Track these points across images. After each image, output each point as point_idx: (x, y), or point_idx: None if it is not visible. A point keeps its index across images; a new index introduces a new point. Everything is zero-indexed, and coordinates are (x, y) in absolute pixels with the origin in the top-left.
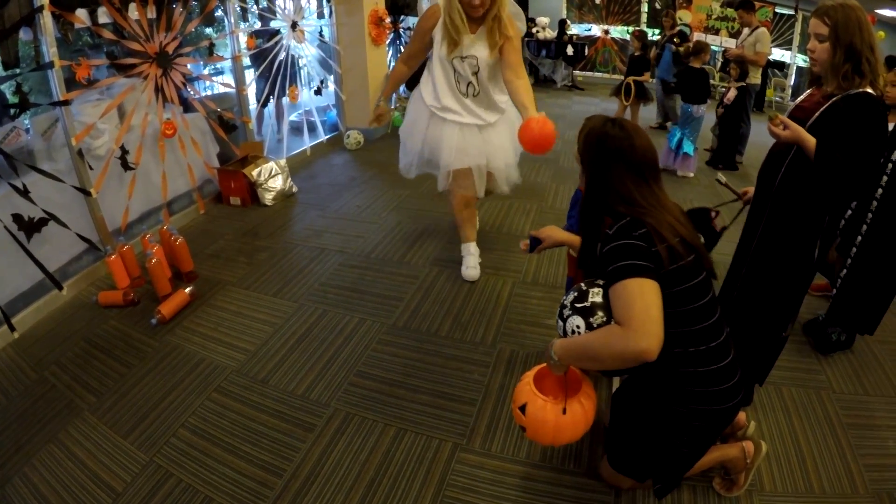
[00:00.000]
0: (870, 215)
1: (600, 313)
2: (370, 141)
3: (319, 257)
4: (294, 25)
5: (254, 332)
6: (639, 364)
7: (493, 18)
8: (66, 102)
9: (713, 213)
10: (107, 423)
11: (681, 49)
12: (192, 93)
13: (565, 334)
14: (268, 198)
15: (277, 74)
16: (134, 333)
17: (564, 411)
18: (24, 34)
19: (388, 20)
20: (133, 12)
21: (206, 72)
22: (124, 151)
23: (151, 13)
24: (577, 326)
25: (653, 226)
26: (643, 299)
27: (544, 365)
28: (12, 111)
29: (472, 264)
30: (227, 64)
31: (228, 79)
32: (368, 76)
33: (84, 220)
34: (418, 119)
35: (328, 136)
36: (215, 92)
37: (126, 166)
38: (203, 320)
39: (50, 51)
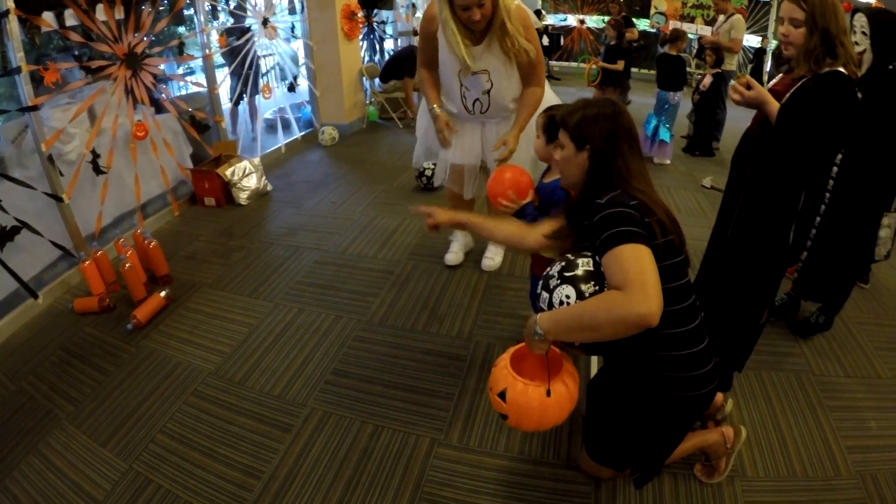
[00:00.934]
0: (828, 194)
1: (592, 282)
2: (345, 136)
3: (294, 255)
4: (265, 22)
5: (230, 334)
6: (639, 331)
7: (498, 27)
8: (35, 108)
9: None
10: (85, 431)
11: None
12: (163, 94)
13: (551, 306)
14: (242, 197)
15: (249, 72)
16: (110, 339)
17: (549, 393)
18: None
19: (360, 14)
20: (101, 14)
21: (179, 71)
22: (95, 155)
23: (119, 14)
24: (567, 297)
25: (644, 199)
26: (641, 264)
27: (520, 346)
28: None
29: (453, 249)
30: (199, 63)
31: (200, 78)
32: (342, 71)
33: (57, 227)
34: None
35: (303, 133)
36: (187, 92)
37: (98, 170)
38: (179, 324)
39: (17, 55)
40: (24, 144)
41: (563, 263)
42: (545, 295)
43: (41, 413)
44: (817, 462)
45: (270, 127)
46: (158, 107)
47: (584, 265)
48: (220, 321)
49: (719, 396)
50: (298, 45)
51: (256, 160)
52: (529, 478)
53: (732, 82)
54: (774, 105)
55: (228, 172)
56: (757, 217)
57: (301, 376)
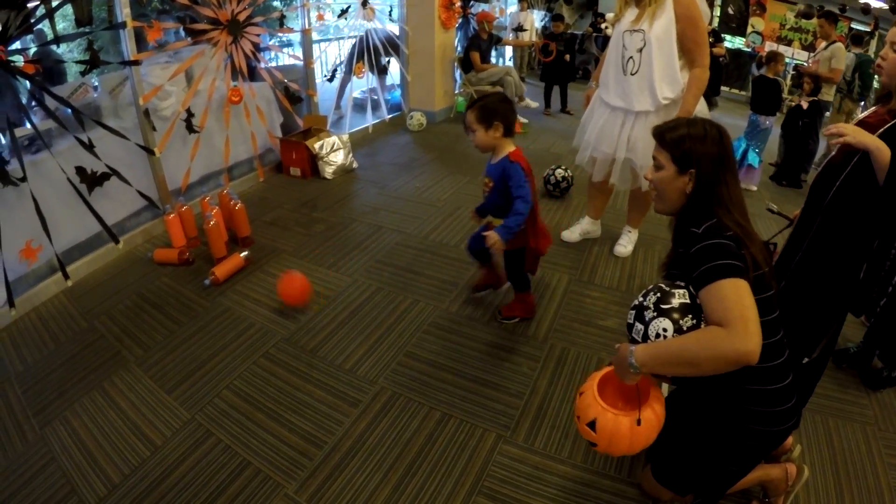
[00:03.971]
0: None
1: (689, 316)
2: (432, 124)
3: (376, 234)
4: (364, 2)
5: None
6: (738, 367)
7: None
8: (136, 62)
9: (770, 247)
10: (152, 377)
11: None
12: (260, 62)
13: (646, 338)
14: (328, 171)
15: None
16: (186, 292)
17: (639, 422)
18: None
19: (458, 4)
20: None
21: (274, 42)
22: (190, 114)
23: None
24: (664, 329)
25: (740, 232)
26: (742, 300)
27: (606, 371)
28: (82, 67)
29: (574, 229)
30: (296, 37)
31: (297, 51)
32: (436, 59)
33: (145, 178)
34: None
35: (391, 116)
36: (282, 63)
37: (191, 129)
38: (256, 286)
39: (123, 11)
40: (122, 97)
41: (658, 294)
42: (639, 326)
43: (110, 353)
44: None
45: (360, 106)
46: (254, 74)
47: (680, 297)
48: None
49: (789, 439)
50: (394, 29)
51: (345, 136)
52: (589, 488)
53: (832, 127)
54: (885, 151)
55: (317, 146)
56: (829, 248)
57: (374, 354)
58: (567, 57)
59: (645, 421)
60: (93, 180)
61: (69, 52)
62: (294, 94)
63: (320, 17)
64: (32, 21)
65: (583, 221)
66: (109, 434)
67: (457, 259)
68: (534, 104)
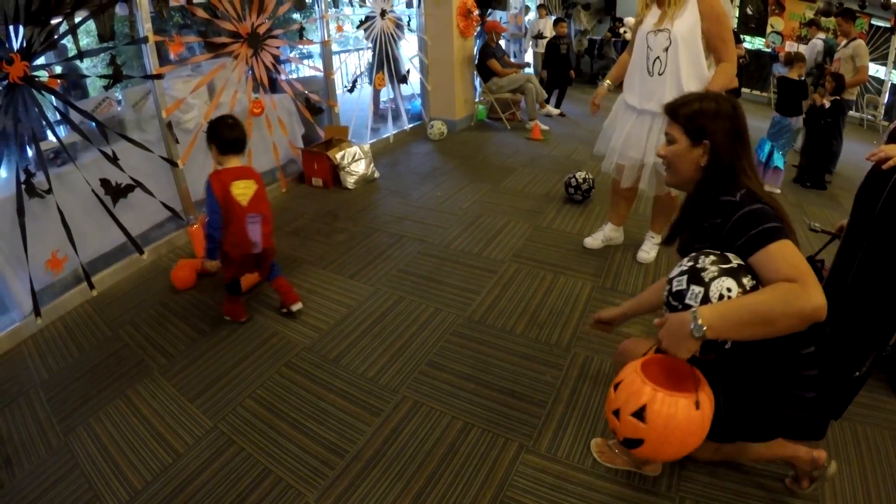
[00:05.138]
0: None
1: (749, 276)
2: (453, 132)
3: (398, 244)
4: (383, 13)
5: (328, 312)
6: (809, 325)
7: None
8: (158, 76)
9: (819, 265)
10: (175, 385)
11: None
12: (281, 74)
13: (706, 301)
14: (350, 181)
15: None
16: (209, 302)
17: (698, 405)
18: (119, 9)
19: (476, 13)
20: None
21: (294, 54)
22: None
23: None
24: (728, 289)
25: (770, 201)
26: (802, 258)
27: (647, 359)
28: (106, 82)
29: (597, 236)
30: (315, 49)
31: (318, 63)
32: (455, 67)
33: (169, 190)
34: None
35: (411, 125)
36: (302, 75)
37: None
38: (278, 295)
39: (144, 26)
40: (145, 110)
41: (714, 256)
42: (696, 289)
43: (133, 361)
44: None
45: (381, 116)
46: (275, 86)
47: (735, 258)
48: (320, 298)
49: (822, 455)
50: (413, 39)
51: (366, 147)
52: (613, 498)
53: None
54: None
55: (338, 156)
56: (884, 263)
57: (396, 363)
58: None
59: (702, 405)
60: (117, 192)
61: (93, 67)
62: (315, 105)
63: (339, 29)
64: (56, 37)
65: (605, 228)
66: (132, 441)
67: (478, 267)
68: (555, 111)
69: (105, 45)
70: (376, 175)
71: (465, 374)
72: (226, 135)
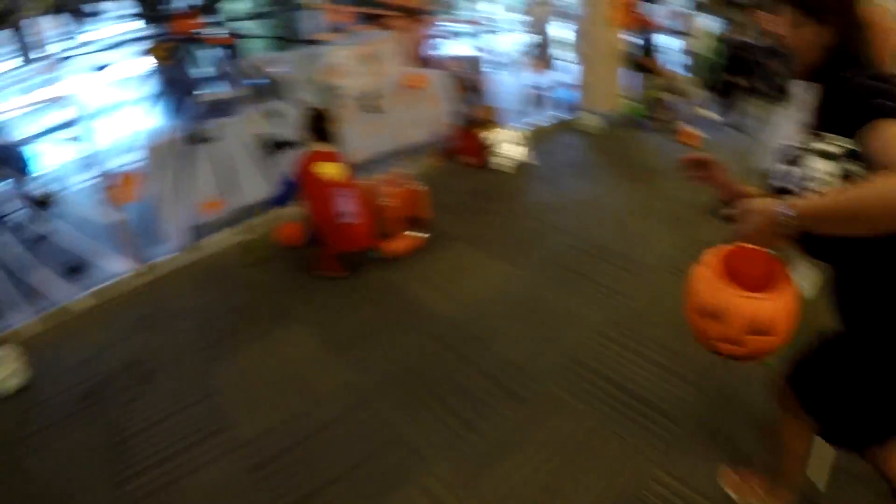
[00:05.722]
0: None
1: (857, 162)
2: (608, 127)
3: (549, 234)
4: None
5: (475, 291)
6: None
7: None
8: (321, 42)
9: None
10: (321, 336)
11: None
12: (440, 51)
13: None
14: (500, 163)
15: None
16: (356, 261)
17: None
18: None
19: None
20: None
21: (451, 32)
22: (369, 95)
23: None
24: (830, 174)
25: None
26: None
27: (728, 250)
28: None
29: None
30: (472, 28)
31: (474, 42)
32: (614, 61)
33: None
34: None
35: (566, 116)
36: (459, 53)
37: (369, 109)
38: (427, 267)
39: None
40: (307, 74)
41: (818, 138)
42: (795, 170)
43: (281, 307)
44: None
45: (535, 102)
46: (432, 62)
47: (843, 142)
48: (467, 276)
49: None
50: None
51: (519, 131)
52: None
53: None
54: None
55: (491, 137)
56: None
57: (545, 355)
58: None
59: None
60: (274, 147)
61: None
62: (470, 84)
63: (496, 11)
64: None
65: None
66: (273, 381)
67: (627, 270)
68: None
69: (273, 8)
70: (529, 160)
71: (611, 378)
72: (318, 126)
